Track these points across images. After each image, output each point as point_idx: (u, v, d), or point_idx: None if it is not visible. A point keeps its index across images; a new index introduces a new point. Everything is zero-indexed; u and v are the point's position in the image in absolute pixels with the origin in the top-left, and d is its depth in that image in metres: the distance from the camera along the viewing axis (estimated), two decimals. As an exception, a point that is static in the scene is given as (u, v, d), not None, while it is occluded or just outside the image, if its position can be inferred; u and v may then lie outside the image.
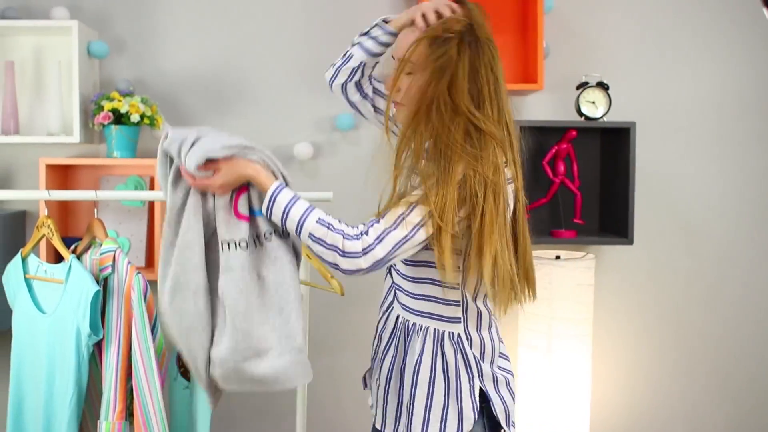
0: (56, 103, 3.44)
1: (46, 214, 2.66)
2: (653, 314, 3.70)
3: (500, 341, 2.30)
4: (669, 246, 3.69)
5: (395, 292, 2.28)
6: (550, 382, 3.30)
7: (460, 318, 2.17)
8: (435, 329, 2.18)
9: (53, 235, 2.64)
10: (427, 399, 2.17)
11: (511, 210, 2.14)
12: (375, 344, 2.36)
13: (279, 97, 3.60)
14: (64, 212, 3.57)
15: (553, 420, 3.30)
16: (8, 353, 2.65)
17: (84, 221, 3.59)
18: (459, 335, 2.17)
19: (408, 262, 2.17)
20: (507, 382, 2.28)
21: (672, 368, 3.72)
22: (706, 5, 3.64)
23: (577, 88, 3.45)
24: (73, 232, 3.59)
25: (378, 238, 1.98)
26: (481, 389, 2.18)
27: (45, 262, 2.62)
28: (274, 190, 2.05)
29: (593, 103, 3.44)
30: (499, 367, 2.28)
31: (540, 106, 3.63)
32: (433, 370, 2.17)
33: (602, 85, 3.43)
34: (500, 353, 2.30)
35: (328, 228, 1.99)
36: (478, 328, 2.20)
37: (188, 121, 3.58)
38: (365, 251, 1.97)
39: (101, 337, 2.50)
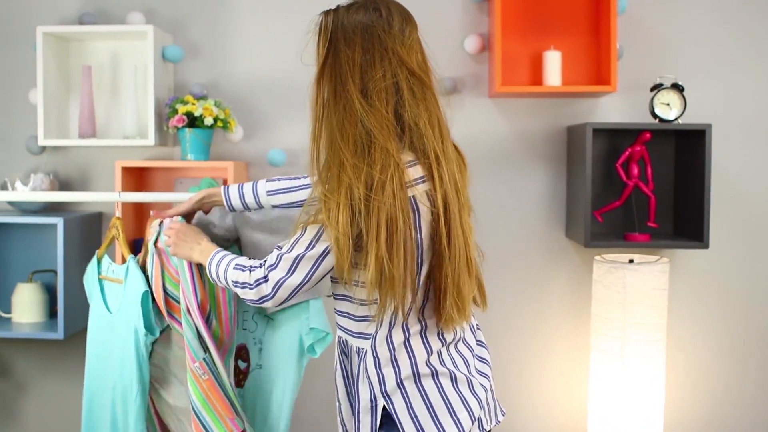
0: (132, 107, 3.50)
1: (117, 215, 2.70)
2: (729, 320, 3.64)
3: (435, 353, 2.06)
4: (745, 250, 3.62)
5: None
6: (623, 387, 3.26)
7: (369, 334, 2.05)
8: (345, 340, 2.16)
9: (120, 235, 2.68)
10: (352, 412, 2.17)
11: (420, 214, 1.95)
12: None
13: (350, 99, 3.61)
14: (139, 214, 3.62)
15: (625, 427, 3.25)
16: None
17: (158, 223, 3.64)
18: (366, 351, 2.06)
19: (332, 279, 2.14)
20: (440, 390, 2.03)
21: (749, 376, 3.65)
22: (785, 5, 3.57)
23: (652, 89, 3.40)
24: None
25: (277, 259, 2.01)
26: (384, 407, 2.02)
27: (113, 263, 2.67)
28: (209, 262, 2.22)
29: (668, 104, 3.39)
30: (430, 376, 2.04)
31: (613, 108, 3.59)
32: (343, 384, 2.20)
33: (677, 87, 3.38)
34: (428, 363, 2.04)
35: (241, 269, 2.09)
36: (390, 342, 2.03)
37: (261, 124, 3.61)
38: (266, 276, 2.02)
39: (157, 335, 2.54)
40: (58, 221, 3.30)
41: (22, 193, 2.84)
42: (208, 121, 3.36)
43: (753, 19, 3.57)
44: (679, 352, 3.63)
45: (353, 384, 2.13)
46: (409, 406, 2.00)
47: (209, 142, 3.47)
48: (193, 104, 3.38)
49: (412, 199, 1.92)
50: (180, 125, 3.37)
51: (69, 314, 3.36)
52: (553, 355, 3.67)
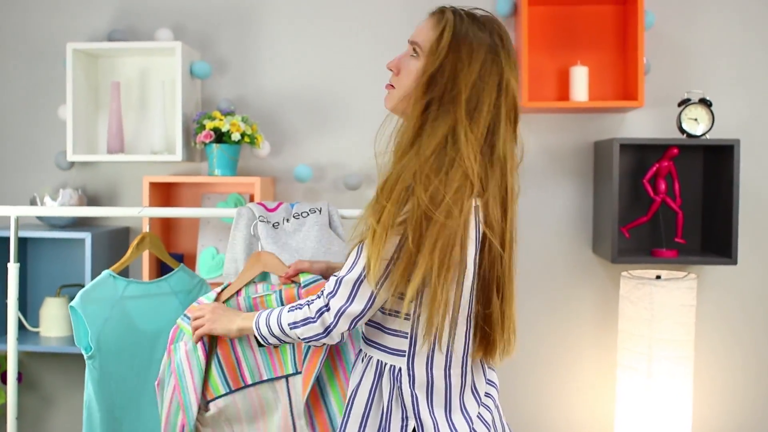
0: (160, 123, 3.52)
1: (145, 230, 2.72)
2: (757, 336, 3.61)
3: (469, 386, 2.01)
4: (774, 266, 3.59)
5: None
6: (650, 404, 3.23)
7: (404, 351, 1.94)
8: (378, 360, 1.99)
9: (158, 249, 2.71)
10: None
11: (472, 254, 1.91)
12: None
13: (378, 115, 3.61)
14: (165, 229, 3.64)
15: (654, 443, 3.23)
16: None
17: (185, 238, 3.66)
18: (400, 370, 1.95)
19: None
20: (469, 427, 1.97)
21: (777, 392, 3.62)
22: (814, 19, 3.55)
23: (679, 104, 3.39)
24: (175, 248, 3.66)
25: (336, 285, 1.90)
26: None
27: (134, 280, 2.68)
28: (256, 319, 2.11)
29: (695, 120, 3.37)
30: (460, 415, 1.98)
31: (640, 123, 3.58)
32: (368, 405, 2.00)
33: (705, 102, 3.36)
34: (463, 402, 1.99)
35: (297, 308, 1.99)
36: (429, 366, 1.94)
37: (288, 140, 3.63)
38: (327, 304, 1.91)
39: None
40: (86, 236, 3.33)
41: (50, 209, 2.88)
42: (236, 136, 3.38)
43: (781, 34, 3.55)
44: (706, 370, 3.60)
45: (379, 406, 2.01)
46: None
47: (236, 158, 3.49)
48: (221, 120, 3.39)
49: (477, 228, 1.90)
50: (207, 141, 3.38)
51: (97, 328, 3.38)
52: (580, 371, 3.65)
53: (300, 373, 2.35)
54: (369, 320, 2.02)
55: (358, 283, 1.86)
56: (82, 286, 3.55)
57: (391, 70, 2.02)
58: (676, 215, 3.43)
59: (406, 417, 1.95)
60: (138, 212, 2.71)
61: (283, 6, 3.65)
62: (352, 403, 2.03)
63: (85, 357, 2.55)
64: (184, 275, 2.80)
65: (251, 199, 3.59)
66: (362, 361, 2.05)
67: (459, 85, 1.87)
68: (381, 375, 1.98)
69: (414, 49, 1.95)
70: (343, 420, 2.03)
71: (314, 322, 1.93)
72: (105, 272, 2.64)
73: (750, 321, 3.60)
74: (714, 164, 3.45)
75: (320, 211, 2.73)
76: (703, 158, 3.54)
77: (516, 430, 3.64)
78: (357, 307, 1.87)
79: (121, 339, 2.63)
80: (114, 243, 3.54)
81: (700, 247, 3.56)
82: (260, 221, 2.65)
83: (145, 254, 3.34)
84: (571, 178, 3.61)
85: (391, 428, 1.95)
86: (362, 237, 1.87)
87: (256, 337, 2.12)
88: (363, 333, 2.07)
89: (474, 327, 1.98)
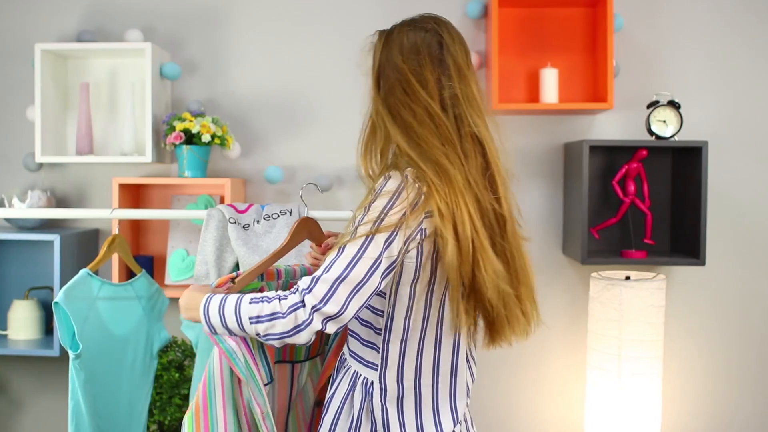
0: (129, 124, 3.51)
1: (115, 232, 2.70)
2: (725, 336, 3.64)
3: (447, 402, 1.99)
4: (741, 267, 3.62)
5: None
6: (620, 404, 3.25)
7: (376, 365, 1.94)
8: (354, 371, 2.00)
9: (124, 251, 2.69)
10: None
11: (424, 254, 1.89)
12: None
13: (348, 117, 3.62)
14: (135, 231, 3.62)
15: (623, 443, 3.25)
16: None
17: (155, 240, 3.64)
18: (372, 383, 1.95)
19: None
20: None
21: (745, 393, 3.64)
22: (780, 22, 3.59)
23: (648, 107, 3.41)
24: (145, 250, 3.65)
25: (312, 282, 1.81)
26: None
27: (107, 282, 2.67)
28: (204, 306, 1.90)
29: (664, 122, 3.40)
30: (432, 428, 1.96)
31: (610, 125, 3.60)
32: (337, 414, 1.99)
33: (673, 104, 3.39)
34: (438, 416, 1.98)
35: (264, 301, 1.82)
36: (399, 378, 1.93)
37: (259, 141, 3.62)
38: (302, 300, 1.79)
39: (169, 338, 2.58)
40: (55, 238, 3.31)
41: (18, 210, 2.85)
42: (206, 138, 3.37)
43: (748, 37, 3.58)
44: (675, 369, 3.63)
45: (347, 417, 2.00)
46: None
47: (206, 159, 3.47)
48: (191, 121, 3.38)
49: (419, 229, 1.89)
50: (177, 142, 3.37)
51: (65, 331, 3.36)
52: (550, 372, 3.67)
53: (310, 359, 2.30)
54: (351, 330, 2.02)
55: (337, 283, 1.78)
56: (51, 289, 3.54)
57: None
58: (645, 216, 3.46)
59: (375, 430, 1.94)
60: (109, 214, 2.70)
61: (253, 8, 3.65)
62: (327, 409, 2.03)
63: (72, 357, 2.52)
64: (144, 281, 2.79)
65: (221, 201, 3.58)
66: (343, 368, 2.05)
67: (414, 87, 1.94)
68: (354, 386, 1.98)
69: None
70: (319, 426, 2.03)
71: (283, 317, 1.78)
72: (83, 271, 2.61)
73: (718, 321, 3.63)
74: (682, 166, 3.48)
75: (291, 213, 2.73)
76: (672, 160, 3.57)
77: (485, 430, 3.65)
78: (332, 308, 1.78)
79: (97, 341, 2.61)
80: (83, 245, 3.52)
81: (669, 248, 3.59)
82: (230, 223, 2.64)
83: (115, 256, 3.32)
84: (541, 180, 3.63)
85: None
86: (345, 238, 1.83)
87: (204, 326, 1.92)
88: (347, 341, 2.06)
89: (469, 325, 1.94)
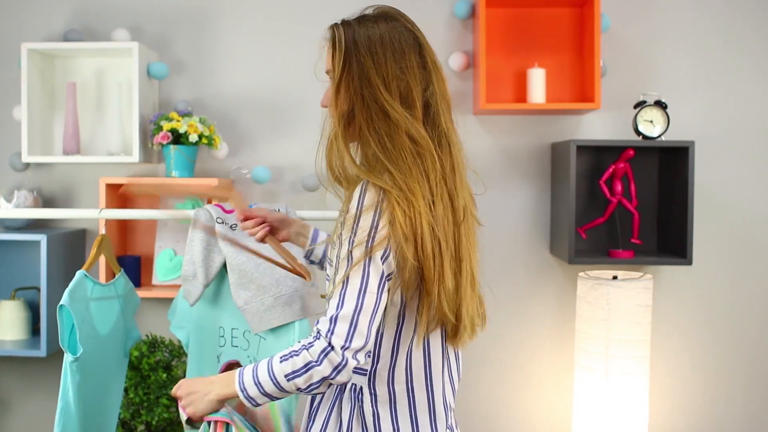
0: (116, 124, 3.50)
1: (102, 232, 2.69)
2: (712, 336, 3.65)
3: (441, 404, 1.96)
4: (728, 267, 3.63)
5: None
6: (607, 403, 3.26)
7: (365, 370, 1.90)
8: None
9: (108, 252, 2.69)
10: None
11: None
12: None
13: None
14: (123, 231, 3.61)
15: (610, 442, 3.26)
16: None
17: (142, 239, 3.63)
18: (361, 389, 1.90)
19: None
20: None
21: (732, 392, 3.66)
22: (764, 23, 3.59)
23: (635, 107, 3.42)
24: (132, 250, 3.64)
25: (332, 323, 1.76)
26: None
27: (96, 282, 2.66)
28: (239, 381, 1.85)
29: (651, 122, 3.41)
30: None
31: (597, 125, 3.61)
32: (324, 424, 1.94)
33: (660, 104, 3.40)
34: (434, 420, 1.94)
35: (292, 356, 1.77)
36: (390, 383, 1.90)
37: (246, 141, 3.61)
38: (330, 343, 1.74)
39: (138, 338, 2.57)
40: (42, 238, 3.29)
41: (5, 210, 2.84)
42: (193, 137, 3.36)
43: (734, 38, 3.59)
44: (662, 369, 3.64)
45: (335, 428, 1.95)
46: None
47: (194, 159, 3.47)
48: (178, 121, 3.38)
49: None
50: (165, 142, 3.36)
51: (52, 331, 3.34)
52: (538, 371, 3.67)
53: None
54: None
55: (355, 317, 1.75)
56: (38, 289, 3.53)
57: (325, 106, 2.01)
58: (633, 216, 3.47)
59: None
60: (98, 214, 2.69)
61: (241, 7, 3.64)
62: (312, 422, 1.98)
63: (70, 359, 2.48)
64: (122, 280, 2.78)
65: (209, 201, 3.57)
66: None
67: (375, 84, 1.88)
68: (341, 393, 1.93)
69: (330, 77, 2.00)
70: None
71: (318, 365, 1.73)
72: (80, 272, 2.59)
73: (705, 320, 3.64)
74: (669, 166, 3.49)
75: (278, 212, 2.72)
76: (659, 160, 3.58)
77: (473, 430, 3.65)
78: (359, 342, 1.74)
79: (90, 342, 2.60)
80: (70, 245, 3.51)
81: (656, 247, 3.60)
82: (218, 222, 2.63)
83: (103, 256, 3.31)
84: (529, 180, 3.63)
85: None
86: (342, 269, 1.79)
87: (244, 401, 1.85)
88: None
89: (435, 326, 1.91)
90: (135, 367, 3.30)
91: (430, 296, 1.84)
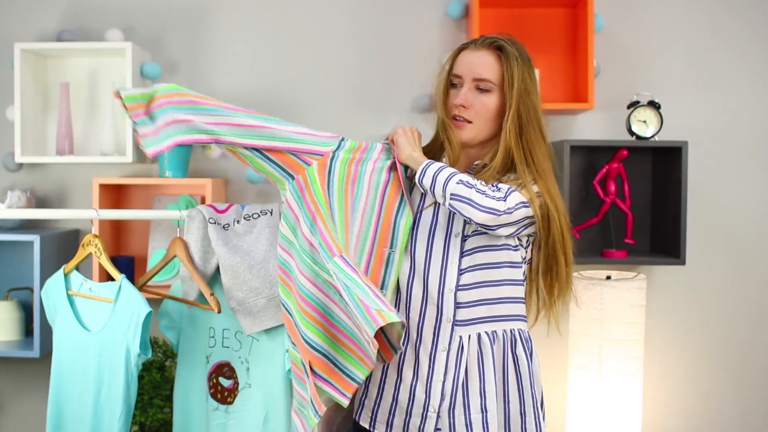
0: (110, 124, 3.49)
1: (94, 232, 2.68)
2: (705, 335, 3.66)
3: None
4: (721, 266, 3.64)
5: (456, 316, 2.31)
6: (601, 403, 3.26)
7: (524, 316, 2.42)
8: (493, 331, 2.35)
9: (101, 254, 2.66)
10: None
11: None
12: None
13: (330, 116, 3.62)
14: (116, 231, 3.61)
15: (604, 442, 3.26)
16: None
17: (137, 240, 3.63)
18: (519, 331, 2.39)
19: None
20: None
21: (726, 392, 3.66)
22: (757, 25, 3.60)
23: (628, 107, 3.43)
24: (126, 250, 3.63)
25: (508, 192, 2.22)
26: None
27: (90, 280, 2.64)
28: (424, 168, 2.28)
29: (644, 122, 3.41)
30: None
31: (590, 125, 3.61)
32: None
33: (653, 104, 3.40)
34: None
35: (471, 187, 2.19)
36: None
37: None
38: (504, 197, 2.20)
39: (150, 356, 2.53)
40: (35, 239, 3.29)
41: (-1, 211, 2.83)
42: (187, 138, 3.35)
43: (727, 38, 3.60)
44: (656, 368, 3.64)
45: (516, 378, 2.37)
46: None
47: (188, 159, 3.46)
48: (172, 121, 3.37)
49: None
50: (158, 142, 3.36)
51: (45, 332, 3.34)
52: (532, 371, 3.67)
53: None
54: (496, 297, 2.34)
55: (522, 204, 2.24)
56: (31, 290, 3.53)
57: (463, 106, 2.35)
58: (626, 216, 3.47)
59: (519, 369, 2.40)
60: (95, 215, 2.68)
61: (234, 7, 3.64)
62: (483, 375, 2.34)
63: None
64: (120, 286, 2.66)
65: (203, 201, 3.57)
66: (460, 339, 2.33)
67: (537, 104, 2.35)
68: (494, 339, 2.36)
69: (478, 87, 2.34)
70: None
71: (489, 197, 2.18)
72: (61, 268, 2.60)
73: (698, 320, 3.65)
74: (663, 166, 3.50)
75: (271, 213, 2.71)
76: (652, 160, 3.59)
77: (468, 430, 3.65)
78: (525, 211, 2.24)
79: (70, 337, 2.62)
80: (63, 245, 3.50)
81: (650, 247, 3.61)
82: (210, 223, 2.63)
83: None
84: (523, 180, 3.63)
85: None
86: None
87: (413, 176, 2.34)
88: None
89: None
90: (128, 367, 3.30)
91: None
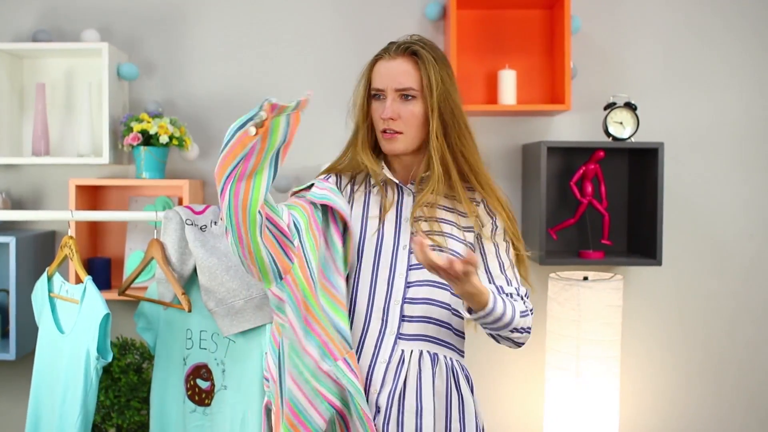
0: (86, 125, 3.47)
1: (70, 234, 2.67)
2: (682, 335, 3.68)
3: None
4: (697, 267, 3.66)
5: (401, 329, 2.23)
6: (579, 404, 3.27)
7: (463, 350, 2.41)
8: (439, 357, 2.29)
9: (73, 255, 2.65)
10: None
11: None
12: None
13: (307, 118, 3.61)
14: (93, 232, 3.59)
15: (581, 442, 3.28)
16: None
17: (112, 241, 3.61)
18: (457, 362, 2.35)
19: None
20: None
21: (703, 392, 3.69)
22: (734, 26, 3.63)
23: (605, 108, 3.44)
24: (103, 252, 3.62)
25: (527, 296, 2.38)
26: None
27: (67, 282, 2.64)
28: (494, 302, 2.15)
29: (621, 123, 3.43)
30: None
31: (567, 126, 3.63)
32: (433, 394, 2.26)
33: (630, 106, 3.42)
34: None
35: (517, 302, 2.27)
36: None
37: (217, 142, 3.60)
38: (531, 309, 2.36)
39: (110, 359, 2.51)
40: (10, 240, 3.27)
41: (-27, 212, 2.81)
42: (164, 139, 3.35)
43: (704, 41, 3.62)
44: (633, 369, 3.66)
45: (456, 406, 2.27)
46: None
47: (164, 161, 3.45)
48: (148, 122, 3.36)
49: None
50: (135, 143, 3.35)
51: (21, 334, 3.31)
52: (509, 372, 3.68)
53: None
54: (443, 323, 2.29)
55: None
56: (7, 292, 3.50)
57: (392, 119, 2.24)
58: (603, 217, 3.48)
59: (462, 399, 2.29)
60: (70, 216, 2.67)
61: (211, 8, 3.63)
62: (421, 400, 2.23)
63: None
64: (84, 288, 2.65)
65: (180, 202, 3.56)
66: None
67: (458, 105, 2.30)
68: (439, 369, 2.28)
69: (402, 95, 2.24)
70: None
71: (532, 314, 2.33)
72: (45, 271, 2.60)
73: (675, 320, 3.67)
74: (639, 167, 3.51)
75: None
76: (629, 161, 3.60)
77: (446, 431, 3.65)
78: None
79: (48, 338, 2.62)
80: (39, 247, 3.48)
81: (626, 248, 3.62)
82: (187, 224, 2.62)
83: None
84: (500, 181, 3.63)
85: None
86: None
87: (483, 316, 2.17)
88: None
89: None
90: (106, 369, 3.28)
91: None
